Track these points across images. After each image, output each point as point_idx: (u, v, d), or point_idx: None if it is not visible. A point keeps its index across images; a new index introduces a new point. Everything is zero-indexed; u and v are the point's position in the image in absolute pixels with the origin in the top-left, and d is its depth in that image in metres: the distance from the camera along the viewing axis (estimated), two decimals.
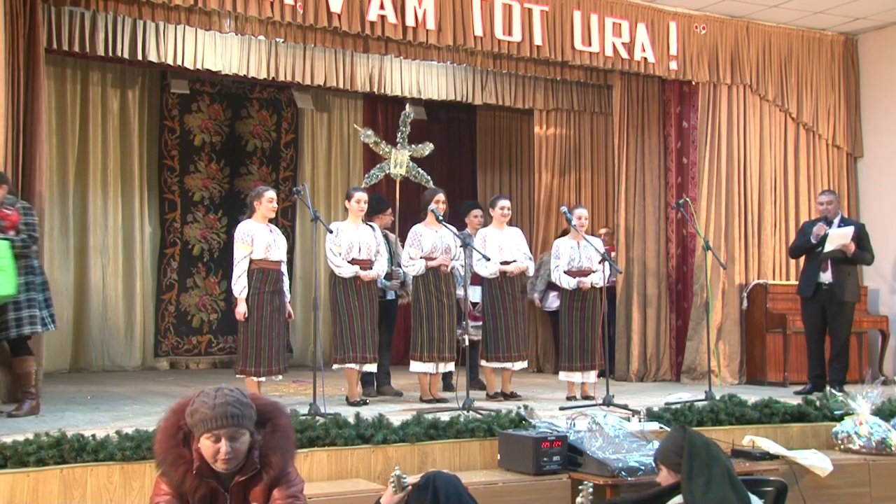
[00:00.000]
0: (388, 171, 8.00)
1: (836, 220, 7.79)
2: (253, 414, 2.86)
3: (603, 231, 9.29)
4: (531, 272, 7.37)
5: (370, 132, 8.00)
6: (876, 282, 9.38)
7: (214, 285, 10.52)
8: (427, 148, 8.08)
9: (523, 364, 7.14)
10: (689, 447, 3.49)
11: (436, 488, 3.17)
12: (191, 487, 2.80)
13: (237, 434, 2.80)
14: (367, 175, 8.27)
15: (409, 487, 3.28)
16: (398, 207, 7.99)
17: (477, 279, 7.15)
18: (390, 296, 7.45)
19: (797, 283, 8.21)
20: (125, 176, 10.00)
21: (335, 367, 6.55)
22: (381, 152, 8.01)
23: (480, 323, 7.18)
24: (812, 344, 7.80)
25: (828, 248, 7.58)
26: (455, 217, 7.76)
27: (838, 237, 7.57)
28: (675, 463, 3.52)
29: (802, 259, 8.05)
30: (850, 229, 7.63)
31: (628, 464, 4.82)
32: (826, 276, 7.67)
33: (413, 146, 8.02)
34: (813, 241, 7.68)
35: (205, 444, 2.80)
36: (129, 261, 9.95)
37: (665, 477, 3.58)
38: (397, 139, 7.95)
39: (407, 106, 8.12)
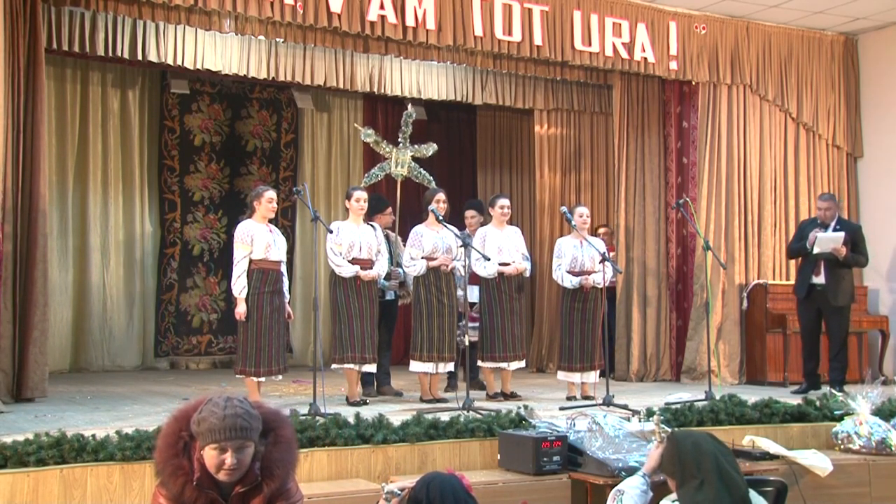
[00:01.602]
0: (388, 171, 7.99)
1: (832, 224, 7.79)
2: (259, 426, 2.83)
3: (602, 230, 9.28)
4: (528, 273, 7.35)
5: (371, 131, 7.99)
6: (876, 282, 9.38)
7: (214, 285, 10.52)
8: (430, 149, 8.07)
9: (520, 364, 7.13)
10: (677, 453, 3.47)
11: (430, 499, 3.16)
12: (190, 499, 2.77)
13: (243, 446, 2.77)
14: (367, 174, 8.26)
15: (405, 492, 3.26)
16: (399, 207, 7.98)
17: (475, 278, 7.14)
18: (390, 296, 7.45)
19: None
20: (125, 176, 10.00)
21: (334, 366, 6.55)
22: (381, 152, 8.01)
23: (478, 324, 7.18)
24: (806, 343, 7.85)
25: (816, 250, 7.62)
26: (455, 217, 7.76)
27: (826, 241, 7.60)
28: (671, 471, 3.52)
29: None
30: (841, 235, 7.62)
31: (628, 464, 4.81)
32: (819, 279, 7.70)
33: (416, 146, 8.01)
34: (808, 246, 7.72)
35: (209, 454, 2.77)
36: (129, 261, 9.96)
37: (670, 483, 3.57)
38: (399, 139, 7.95)
39: (409, 106, 8.11)
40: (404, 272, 7.13)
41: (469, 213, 7.86)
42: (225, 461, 2.75)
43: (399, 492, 3.30)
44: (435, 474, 3.30)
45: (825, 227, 7.73)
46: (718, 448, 3.46)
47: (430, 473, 3.32)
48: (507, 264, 6.96)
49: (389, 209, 7.68)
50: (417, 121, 8.23)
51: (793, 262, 8.91)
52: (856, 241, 7.74)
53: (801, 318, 7.94)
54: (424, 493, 3.17)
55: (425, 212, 6.92)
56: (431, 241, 6.76)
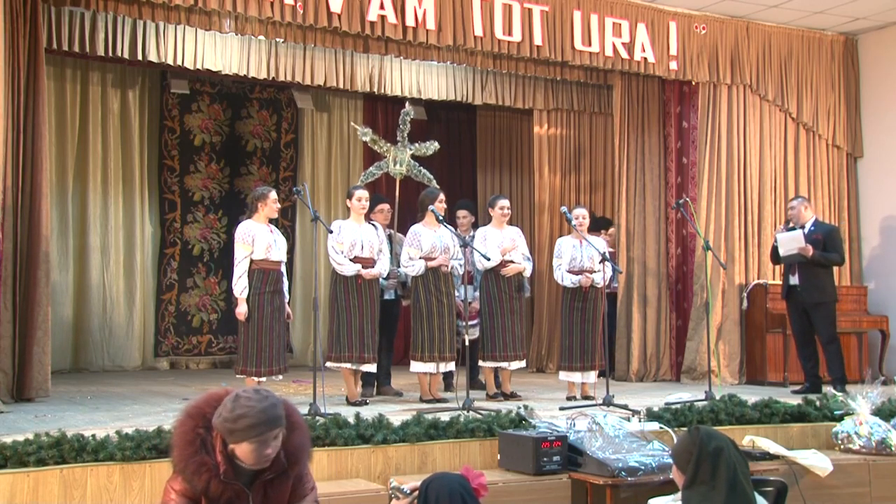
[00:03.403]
0: (386, 170, 7.96)
1: (809, 224, 7.89)
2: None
3: (611, 230, 9.28)
4: (529, 272, 7.34)
5: (368, 130, 7.98)
6: (877, 281, 9.38)
7: (214, 285, 10.53)
8: (431, 147, 8.02)
9: (520, 364, 7.13)
10: (698, 452, 3.39)
11: (426, 501, 3.16)
12: (216, 493, 2.78)
13: (280, 433, 2.83)
14: (364, 172, 8.24)
15: (415, 493, 3.26)
16: (398, 206, 7.95)
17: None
18: (389, 295, 7.42)
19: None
20: (125, 176, 10.00)
21: (329, 364, 6.51)
22: (379, 150, 7.99)
23: (477, 321, 7.18)
24: (800, 345, 7.91)
25: (782, 252, 7.74)
26: (450, 217, 7.72)
27: (788, 241, 7.71)
28: (683, 465, 3.47)
29: None
30: (799, 233, 7.74)
31: (628, 464, 4.82)
32: (794, 279, 7.81)
33: (416, 145, 7.99)
34: (775, 245, 7.88)
35: (248, 448, 2.77)
36: (129, 261, 9.96)
37: (676, 475, 3.53)
38: (397, 138, 7.94)
39: (406, 104, 8.08)
40: (404, 272, 7.12)
41: (461, 212, 7.85)
42: (268, 451, 2.79)
43: (408, 490, 3.30)
44: (437, 476, 3.29)
45: (795, 229, 7.85)
46: (738, 458, 3.41)
47: (433, 475, 3.31)
48: (509, 263, 6.95)
49: (383, 206, 7.53)
50: (417, 121, 8.20)
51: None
52: (830, 241, 7.83)
53: (791, 321, 8.03)
54: (423, 495, 3.17)
55: (422, 211, 6.91)
56: (430, 240, 6.76)
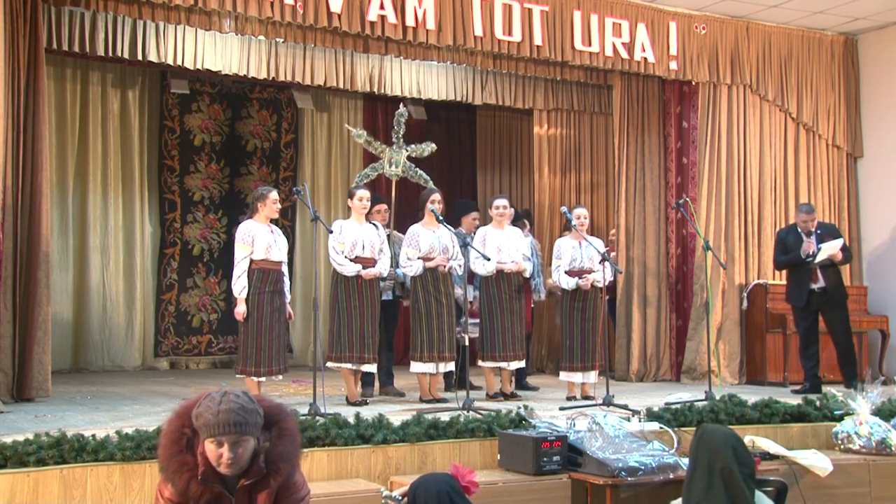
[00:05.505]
0: (381, 171, 7.95)
1: (813, 229, 7.92)
2: (259, 420, 2.83)
3: (613, 231, 9.27)
4: (529, 273, 7.33)
5: (362, 132, 7.96)
6: (877, 281, 9.38)
7: (214, 285, 10.53)
8: (428, 148, 7.99)
9: (520, 364, 7.13)
10: (697, 446, 3.43)
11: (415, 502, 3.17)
12: (195, 493, 2.78)
13: (240, 441, 2.77)
14: (359, 174, 8.22)
15: (405, 499, 3.27)
16: (395, 206, 7.95)
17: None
18: (387, 296, 7.40)
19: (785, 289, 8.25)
20: (125, 176, 10.01)
21: (329, 364, 6.51)
22: (374, 152, 7.98)
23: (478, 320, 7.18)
24: (806, 346, 7.88)
25: (820, 257, 7.75)
26: (450, 217, 7.71)
27: (831, 249, 7.74)
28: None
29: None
30: (840, 241, 7.82)
31: (628, 464, 4.82)
32: (818, 284, 7.82)
33: (413, 146, 7.98)
34: (802, 256, 7.84)
35: (208, 448, 2.78)
36: (129, 261, 9.96)
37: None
38: (392, 139, 7.93)
39: (401, 105, 8.06)
40: (402, 273, 7.10)
41: (473, 214, 7.82)
42: (222, 455, 2.76)
43: (399, 497, 3.30)
44: (424, 478, 3.29)
45: (808, 234, 7.87)
46: (742, 456, 3.41)
47: (421, 477, 3.32)
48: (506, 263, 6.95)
49: (380, 206, 7.43)
50: (417, 121, 8.17)
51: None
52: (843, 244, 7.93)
53: (800, 323, 7.95)
54: (412, 499, 3.18)
55: (421, 211, 6.91)
56: (428, 241, 6.75)
